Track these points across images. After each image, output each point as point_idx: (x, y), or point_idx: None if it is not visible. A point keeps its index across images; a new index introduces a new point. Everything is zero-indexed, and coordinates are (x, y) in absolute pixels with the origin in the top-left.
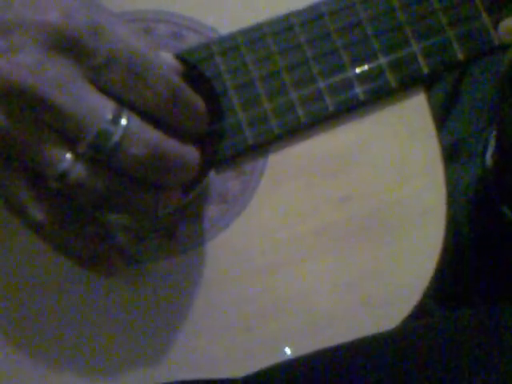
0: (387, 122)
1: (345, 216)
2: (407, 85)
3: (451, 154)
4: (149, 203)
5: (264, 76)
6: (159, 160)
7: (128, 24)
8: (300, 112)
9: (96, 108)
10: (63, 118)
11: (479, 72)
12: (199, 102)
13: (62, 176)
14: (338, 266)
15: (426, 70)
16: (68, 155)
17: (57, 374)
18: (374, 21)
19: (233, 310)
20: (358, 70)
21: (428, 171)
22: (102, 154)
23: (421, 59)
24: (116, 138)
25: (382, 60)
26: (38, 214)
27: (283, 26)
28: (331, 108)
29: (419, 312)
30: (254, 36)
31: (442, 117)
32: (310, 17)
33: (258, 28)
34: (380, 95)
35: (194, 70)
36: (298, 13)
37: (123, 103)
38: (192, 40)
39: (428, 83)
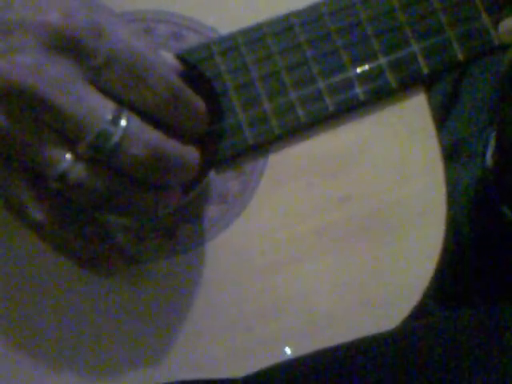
0: (387, 122)
1: (345, 216)
2: (407, 85)
3: (451, 154)
4: (149, 203)
5: (264, 76)
6: (159, 160)
7: (128, 24)
8: (300, 112)
9: (96, 108)
10: (63, 118)
11: (479, 72)
12: (199, 103)
13: (62, 176)
14: (338, 266)
15: (425, 70)
16: (68, 155)
17: (57, 374)
18: (374, 21)
19: (233, 310)
20: (358, 70)
21: (428, 171)
22: (101, 154)
23: (421, 59)
24: (116, 138)
25: (382, 60)
26: (37, 214)
27: (283, 26)
28: (331, 108)
29: (419, 312)
30: (254, 36)
31: (442, 117)
32: (310, 17)
33: (258, 28)
34: (380, 95)
35: (193, 69)
36: (298, 13)
37: (123, 103)
38: (192, 40)
39: (428, 83)
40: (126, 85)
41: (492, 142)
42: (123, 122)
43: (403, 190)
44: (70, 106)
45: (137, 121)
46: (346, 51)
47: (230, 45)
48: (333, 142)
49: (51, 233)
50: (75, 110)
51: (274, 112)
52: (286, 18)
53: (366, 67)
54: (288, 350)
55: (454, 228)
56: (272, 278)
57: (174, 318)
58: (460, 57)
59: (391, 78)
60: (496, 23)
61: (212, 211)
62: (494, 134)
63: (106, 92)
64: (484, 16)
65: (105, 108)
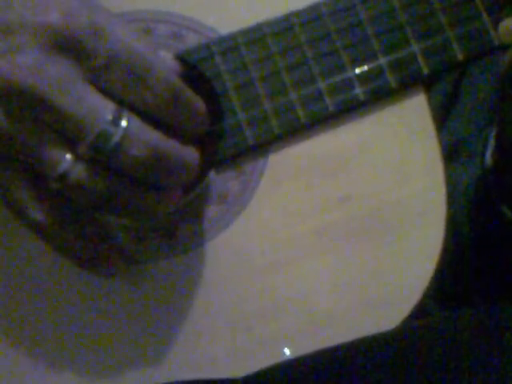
0: (387, 122)
1: (345, 216)
2: (407, 85)
3: (451, 154)
4: (149, 204)
5: (264, 76)
6: (159, 161)
7: (128, 24)
8: (300, 112)
9: (96, 109)
10: (63, 118)
11: (479, 72)
12: (199, 103)
13: (62, 176)
14: (338, 266)
15: (425, 70)
16: (68, 156)
17: (57, 374)
18: (374, 21)
19: (233, 310)
20: (358, 71)
21: (428, 171)
22: (102, 154)
23: (421, 59)
24: (116, 138)
25: (382, 60)
26: (38, 214)
27: (283, 26)
28: (331, 108)
29: (419, 312)
30: (254, 36)
31: (442, 117)
32: (310, 17)
33: (258, 28)
34: (380, 95)
35: (194, 69)
36: (298, 13)
37: (123, 104)
38: (192, 40)
39: (428, 83)
40: (126, 85)
41: (492, 142)
42: (123, 123)
43: (403, 190)
44: (70, 106)
45: (137, 121)
46: (346, 51)
47: (230, 45)
48: (333, 142)
49: (51, 233)
50: (75, 111)
51: (273, 112)
52: (286, 18)
53: (366, 67)
54: (288, 350)
55: (453, 228)
56: (272, 277)
57: (174, 318)
58: (460, 57)
59: (391, 78)
60: (496, 23)
61: (212, 211)
62: (493, 134)
63: (106, 92)
64: (484, 16)
65: (105, 108)
